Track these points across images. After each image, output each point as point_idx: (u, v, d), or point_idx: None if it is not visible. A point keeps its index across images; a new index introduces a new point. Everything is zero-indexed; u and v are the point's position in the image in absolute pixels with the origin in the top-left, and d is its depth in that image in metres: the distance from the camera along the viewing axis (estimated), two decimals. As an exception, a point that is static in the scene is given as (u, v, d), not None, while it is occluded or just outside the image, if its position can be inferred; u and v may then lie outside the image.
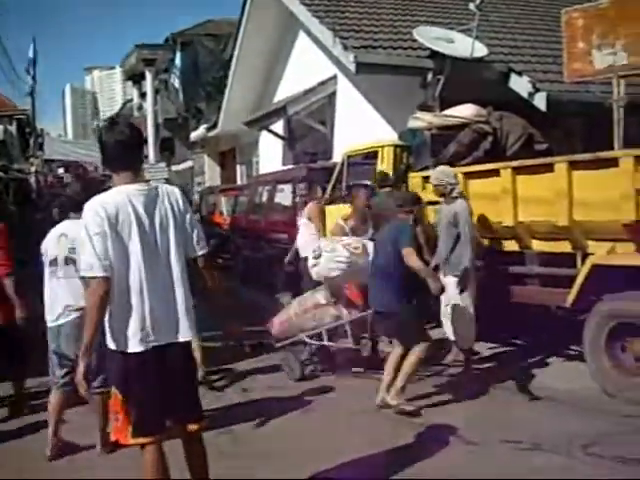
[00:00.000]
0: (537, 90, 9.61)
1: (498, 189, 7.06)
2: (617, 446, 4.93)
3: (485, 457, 4.94)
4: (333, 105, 13.81)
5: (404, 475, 4.64)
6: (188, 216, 3.74)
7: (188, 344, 3.72)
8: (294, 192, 11.51)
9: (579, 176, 6.30)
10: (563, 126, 9.44)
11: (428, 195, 7.60)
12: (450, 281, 6.63)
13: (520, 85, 9.98)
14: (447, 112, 8.64)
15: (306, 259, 9.36)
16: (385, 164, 9.03)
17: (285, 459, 4.98)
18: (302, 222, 9.36)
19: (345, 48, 10.84)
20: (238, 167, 22.12)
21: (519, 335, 7.98)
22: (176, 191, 3.75)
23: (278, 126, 15.78)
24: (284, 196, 12.42)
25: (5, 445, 5.51)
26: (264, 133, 16.78)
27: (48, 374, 5.37)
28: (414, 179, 8.27)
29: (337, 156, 11.45)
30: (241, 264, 13.95)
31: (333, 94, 13.72)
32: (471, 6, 9.91)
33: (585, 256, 6.39)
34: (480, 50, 9.94)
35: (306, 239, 9.06)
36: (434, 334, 6.72)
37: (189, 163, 27.01)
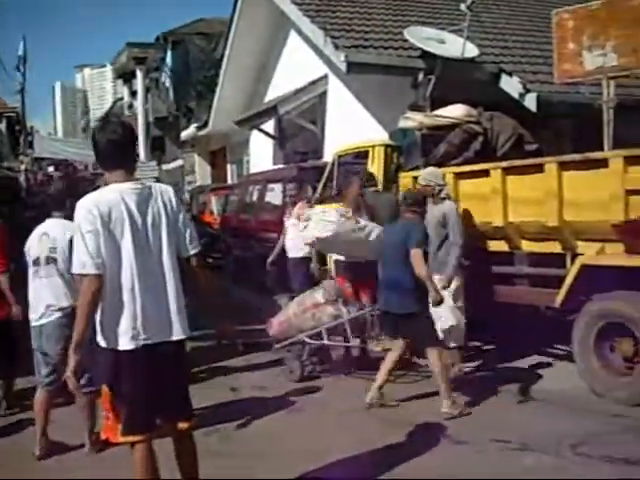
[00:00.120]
0: (527, 91, 9.63)
1: (488, 189, 7.06)
2: (606, 446, 4.95)
3: (474, 457, 4.95)
4: (324, 105, 13.79)
5: (393, 475, 4.65)
6: (181, 215, 3.74)
7: (181, 343, 3.70)
8: (284, 191, 11.50)
9: (569, 177, 6.31)
10: (553, 127, 9.47)
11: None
12: (435, 279, 6.64)
13: (511, 86, 10.00)
14: (438, 112, 8.66)
15: (295, 260, 9.40)
16: (376, 164, 9.03)
17: (275, 458, 4.98)
18: (290, 222, 9.30)
19: (336, 47, 10.82)
20: (229, 166, 22.09)
21: (508, 335, 7.99)
22: (169, 190, 3.76)
23: (269, 125, 15.78)
24: (275, 195, 12.43)
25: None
26: (255, 132, 16.77)
27: (34, 373, 5.35)
28: (404, 179, 8.28)
29: (328, 156, 11.47)
30: (232, 263, 13.91)
31: (324, 94, 13.71)
32: (462, 7, 9.97)
33: (574, 256, 6.41)
34: (471, 50, 9.98)
35: (294, 240, 9.04)
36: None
37: (179, 162, 26.95)
